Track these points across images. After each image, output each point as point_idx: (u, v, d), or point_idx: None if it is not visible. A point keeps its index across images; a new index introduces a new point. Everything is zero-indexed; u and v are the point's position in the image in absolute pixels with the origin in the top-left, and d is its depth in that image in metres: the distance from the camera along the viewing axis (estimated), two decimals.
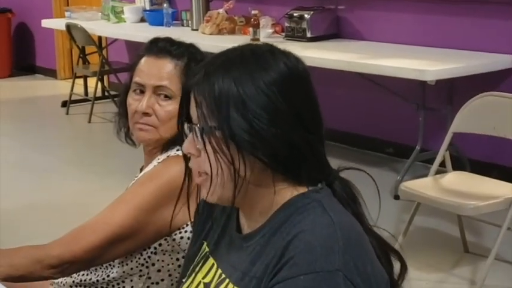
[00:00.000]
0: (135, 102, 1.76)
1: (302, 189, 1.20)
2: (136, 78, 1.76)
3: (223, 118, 1.14)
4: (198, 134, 1.17)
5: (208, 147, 1.16)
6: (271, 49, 1.21)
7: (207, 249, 1.33)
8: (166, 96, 1.73)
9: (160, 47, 1.77)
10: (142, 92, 1.76)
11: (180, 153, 1.71)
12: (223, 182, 1.17)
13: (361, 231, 1.18)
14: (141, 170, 1.83)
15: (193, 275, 1.32)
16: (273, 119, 1.14)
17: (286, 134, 1.15)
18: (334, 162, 1.26)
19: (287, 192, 1.20)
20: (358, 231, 1.17)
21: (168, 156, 1.73)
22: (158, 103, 1.74)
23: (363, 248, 1.15)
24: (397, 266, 1.27)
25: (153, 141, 1.78)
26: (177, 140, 1.72)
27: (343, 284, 1.08)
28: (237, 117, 1.13)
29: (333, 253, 1.10)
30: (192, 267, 1.34)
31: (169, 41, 1.80)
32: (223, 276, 1.24)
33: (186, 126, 1.22)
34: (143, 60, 1.77)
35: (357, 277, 1.10)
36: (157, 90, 1.74)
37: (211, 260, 1.30)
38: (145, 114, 1.74)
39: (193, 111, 1.18)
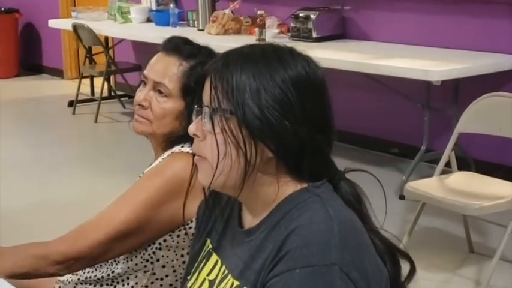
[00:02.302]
0: (138, 93, 1.80)
1: (304, 185, 1.21)
2: (144, 71, 1.80)
3: (237, 102, 1.17)
4: (207, 115, 1.19)
5: (217, 129, 1.18)
6: (291, 50, 1.24)
7: (210, 246, 1.34)
8: (163, 93, 1.76)
9: (172, 45, 1.80)
10: (146, 84, 1.79)
11: (184, 149, 1.72)
12: (230, 166, 1.18)
13: (360, 226, 1.19)
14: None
15: (197, 272, 1.33)
16: (284, 113, 1.17)
17: (294, 129, 1.17)
18: (339, 162, 1.27)
19: (289, 187, 1.21)
20: (356, 226, 1.18)
21: (172, 153, 1.74)
22: (156, 98, 1.77)
23: (360, 243, 1.15)
24: (405, 268, 1.27)
25: (147, 134, 1.81)
26: (181, 137, 1.73)
27: (339, 277, 1.09)
28: (251, 104, 1.16)
29: (330, 247, 1.11)
30: (196, 264, 1.34)
31: (184, 40, 1.82)
32: (226, 271, 1.25)
33: (195, 109, 1.24)
34: (156, 55, 1.81)
35: (353, 271, 1.10)
36: (156, 86, 1.77)
37: (214, 257, 1.31)
38: (142, 106, 1.77)
39: (206, 95, 1.21)
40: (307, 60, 1.23)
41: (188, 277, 1.36)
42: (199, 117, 1.22)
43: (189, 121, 1.69)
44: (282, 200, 1.21)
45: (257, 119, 1.16)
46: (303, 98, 1.18)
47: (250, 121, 1.16)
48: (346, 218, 1.17)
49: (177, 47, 1.78)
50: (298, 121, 1.17)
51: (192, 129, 1.23)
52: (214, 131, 1.19)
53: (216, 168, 1.19)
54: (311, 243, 1.11)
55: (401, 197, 4.03)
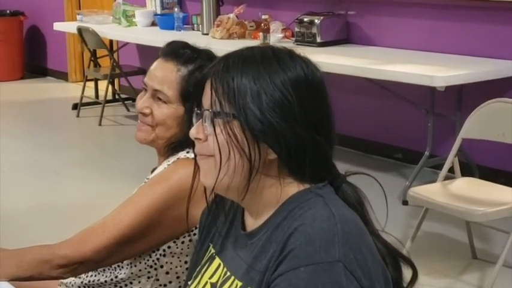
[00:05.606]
0: (138, 100, 1.81)
1: (306, 186, 1.23)
2: (145, 78, 1.81)
3: (239, 106, 1.18)
4: (208, 119, 1.21)
5: (218, 131, 1.20)
6: (290, 52, 1.25)
7: (212, 251, 1.34)
8: (162, 100, 1.76)
9: (170, 50, 1.79)
10: (147, 91, 1.80)
11: (189, 155, 1.73)
12: (234, 169, 1.20)
13: (362, 226, 1.20)
14: (153, 171, 1.85)
15: (199, 276, 1.33)
16: (285, 114, 1.18)
17: (295, 130, 1.19)
18: (342, 167, 1.28)
19: (292, 188, 1.23)
20: (359, 225, 1.19)
21: (178, 159, 1.74)
22: (156, 105, 1.77)
23: (362, 241, 1.16)
24: (406, 273, 1.28)
25: (149, 142, 1.81)
26: (183, 142, 1.74)
27: (343, 274, 1.10)
28: (253, 107, 1.18)
29: (333, 245, 1.11)
30: (198, 269, 1.35)
31: (183, 45, 1.81)
32: (228, 273, 1.26)
33: (195, 112, 1.25)
34: (156, 61, 1.81)
35: (357, 269, 1.11)
36: (155, 93, 1.77)
37: (217, 261, 1.31)
38: (143, 114, 1.78)
39: (206, 98, 1.22)
40: (306, 62, 1.24)
41: (189, 282, 1.36)
42: (200, 120, 1.23)
43: (190, 126, 1.70)
44: (284, 201, 1.22)
45: (259, 121, 1.18)
46: (302, 100, 1.20)
47: (252, 124, 1.18)
48: (349, 217, 1.18)
49: (175, 52, 1.78)
50: (299, 122, 1.19)
51: (193, 132, 1.24)
52: (215, 133, 1.20)
53: (220, 170, 1.20)
54: (314, 241, 1.12)
55: (405, 203, 4.03)
